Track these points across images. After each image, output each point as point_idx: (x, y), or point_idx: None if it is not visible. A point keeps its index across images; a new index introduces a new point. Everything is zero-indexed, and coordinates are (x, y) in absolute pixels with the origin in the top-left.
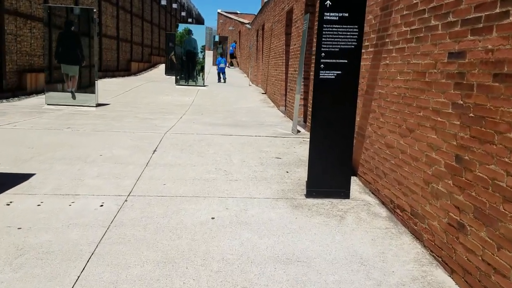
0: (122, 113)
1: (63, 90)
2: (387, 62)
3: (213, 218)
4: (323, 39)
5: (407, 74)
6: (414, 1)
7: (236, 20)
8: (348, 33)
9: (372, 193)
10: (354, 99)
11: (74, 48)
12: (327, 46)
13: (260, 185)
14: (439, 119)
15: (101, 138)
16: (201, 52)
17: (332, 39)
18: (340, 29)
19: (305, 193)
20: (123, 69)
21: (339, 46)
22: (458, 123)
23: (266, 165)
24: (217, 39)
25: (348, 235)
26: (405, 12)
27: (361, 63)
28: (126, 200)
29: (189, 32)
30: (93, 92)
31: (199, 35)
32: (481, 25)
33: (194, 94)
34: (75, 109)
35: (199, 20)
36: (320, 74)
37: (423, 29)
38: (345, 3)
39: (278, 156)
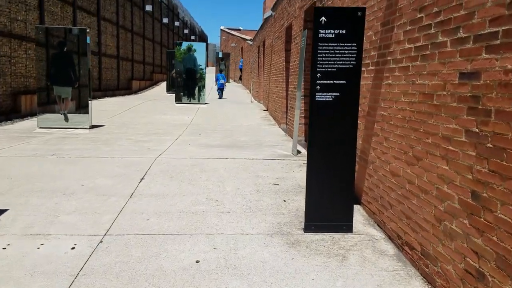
0: (115, 135)
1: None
2: (390, 82)
3: (197, 262)
4: (319, 58)
5: (412, 96)
6: (418, 15)
7: (239, 36)
8: (346, 52)
9: (378, 225)
10: (354, 123)
11: (67, 69)
12: (323, 66)
13: (254, 217)
14: (450, 147)
15: (86, 165)
16: (202, 69)
17: (329, 59)
18: (337, 48)
19: (303, 226)
20: (124, 88)
21: (336, 66)
22: (474, 154)
23: (262, 193)
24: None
25: (351, 280)
26: (408, 28)
27: (362, 83)
28: (101, 241)
29: (188, 49)
30: (87, 113)
31: (199, 52)
32: (498, 42)
33: (194, 113)
34: (67, 132)
35: (203, 37)
36: (316, 96)
37: (430, 46)
38: (342, 19)
39: (275, 182)
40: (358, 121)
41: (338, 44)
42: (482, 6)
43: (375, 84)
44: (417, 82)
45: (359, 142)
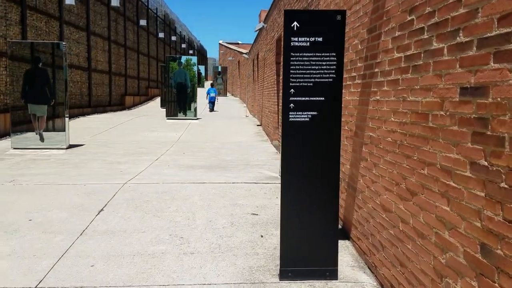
0: (91, 156)
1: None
2: (378, 98)
3: None
4: (292, 71)
5: (403, 115)
6: (408, 18)
7: (236, 50)
8: (324, 63)
9: (369, 268)
10: (336, 146)
11: (42, 86)
12: (297, 80)
13: (223, 259)
14: (452, 183)
15: (43, 194)
16: (193, 83)
17: (303, 71)
18: (313, 58)
19: (279, 271)
20: (117, 104)
21: (312, 80)
22: (483, 194)
23: (237, 226)
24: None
25: None
26: (397, 33)
27: (348, 98)
28: None
29: (179, 64)
30: (66, 131)
31: (191, 66)
32: (510, 47)
33: (183, 129)
34: (40, 153)
35: (201, 52)
36: (290, 116)
37: (422, 55)
38: (318, 24)
39: (254, 212)
40: (346, 142)
41: (314, 54)
42: (487, 1)
43: (362, 101)
44: (408, 99)
45: (347, 166)
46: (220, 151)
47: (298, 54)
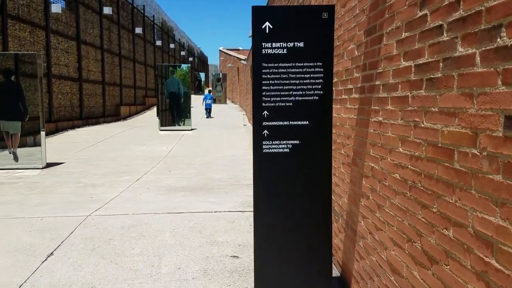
0: (66, 178)
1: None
2: (380, 119)
3: None
4: (264, 88)
5: (415, 146)
6: (419, 13)
7: (235, 56)
8: (308, 76)
9: None
10: (326, 183)
11: (15, 101)
12: (272, 99)
13: None
14: (493, 262)
15: None
16: (186, 92)
17: (280, 88)
18: (293, 70)
19: None
20: (112, 114)
21: (292, 99)
22: None
23: (211, 275)
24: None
25: None
26: (404, 35)
27: (344, 116)
28: None
29: (171, 72)
30: (42, 149)
31: (184, 74)
32: None
33: (175, 141)
34: (12, 174)
35: (202, 59)
36: (264, 146)
37: (441, 64)
38: (298, 24)
39: (235, 253)
40: (342, 170)
41: (294, 64)
42: None
43: (361, 121)
44: (422, 125)
45: (344, 200)
46: (210, 167)
47: (272, 65)
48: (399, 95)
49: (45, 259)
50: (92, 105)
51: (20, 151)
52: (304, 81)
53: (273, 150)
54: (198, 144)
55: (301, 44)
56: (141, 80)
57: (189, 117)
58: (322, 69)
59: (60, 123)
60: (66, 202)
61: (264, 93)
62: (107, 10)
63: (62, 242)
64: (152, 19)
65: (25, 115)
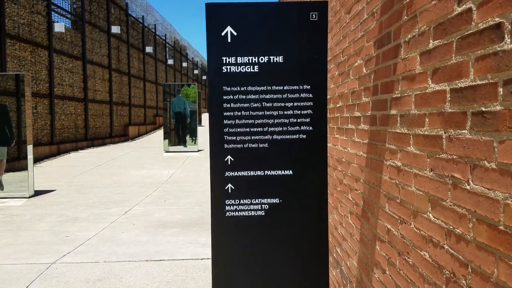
0: (49, 210)
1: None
2: (398, 163)
3: None
4: (226, 121)
5: (455, 218)
6: (459, 9)
7: None
8: (289, 104)
9: None
10: (322, 265)
11: (1, 125)
12: (239, 138)
13: None
14: None
15: None
16: (193, 112)
17: (249, 122)
18: (268, 96)
19: None
20: (119, 135)
21: (268, 138)
22: None
23: None
24: None
25: None
26: (432, 43)
27: (352, 151)
28: None
29: (177, 92)
30: (30, 176)
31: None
32: None
33: (179, 164)
34: None
35: None
36: (227, 208)
37: (501, 90)
38: (273, 29)
39: None
40: (351, 221)
41: (269, 87)
42: None
43: (372, 161)
44: (467, 186)
45: (353, 263)
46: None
47: (238, 89)
48: (426, 133)
49: None
50: (99, 126)
51: (14, 176)
52: (285, 112)
53: (240, 214)
54: (202, 168)
55: (280, 59)
56: (151, 99)
57: (196, 138)
58: (310, 95)
59: (62, 145)
60: (36, 243)
61: (226, 130)
62: (115, 29)
63: None
64: (164, 38)
65: (11, 140)
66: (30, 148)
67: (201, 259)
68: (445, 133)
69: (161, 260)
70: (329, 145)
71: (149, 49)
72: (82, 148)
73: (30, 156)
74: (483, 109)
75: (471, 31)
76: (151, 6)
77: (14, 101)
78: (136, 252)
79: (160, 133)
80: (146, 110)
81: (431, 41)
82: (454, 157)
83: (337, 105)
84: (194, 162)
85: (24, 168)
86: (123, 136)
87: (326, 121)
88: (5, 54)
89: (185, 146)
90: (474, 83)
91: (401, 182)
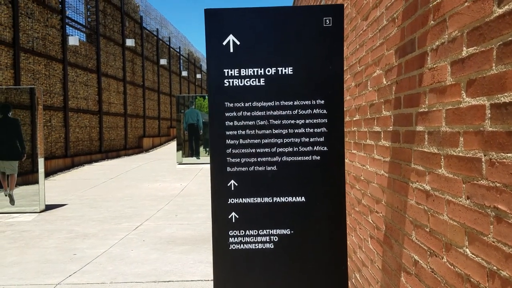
0: (59, 226)
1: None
2: (427, 187)
3: None
4: (228, 141)
5: (500, 257)
6: (500, 10)
7: None
8: (300, 122)
9: None
10: None
11: (12, 139)
12: (243, 160)
13: None
14: None
15: None
16: (206, 123)
17: (255, 142)
18: (276, 113)
19: None
20: (133, 147)
21: (277, 160)
22: None
23: None
24: None
25: None
26: (466, 51)
27: (371, 169)
28: None
29: (190, 103)
30: (41, 190)
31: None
32: None
33: (192, 176)
34: (3, 220)
35: None
36: (231, 240)
37: None
38: (281, 37)
39: None
40: (371, 247)
41: (277, 103)
42: None
43: (395, 182)
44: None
45: None
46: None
47: (241, 105)
48: (461, 154)
49: None
50: (113, 138)
51: (27, 190)
52: (296, 131)
53: (246, 246)
54: None
55: (289, 70)
56: (165, 111)
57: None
58: (324, 110)
59: (77, 157)
60: (43, 262)
61: (229, 151)
62: (130, 42)
63: None
64: (178, 50)
65: (23, 154)
66: (41, 162)
67: (211, 280)
68: (485, 155)
69: (169, 281)
70: (346, 161)
71: (163, 62)
72: (96, 161)
73: (41, 170)
74: None
75: None
76: (165, 19)
77: (28, 114)
78: (144, 271)
79: (174, 144)
80: (160, 122)
81: (464, 48)
82: (498, 185)
83: (354, 118)
84: (207, 174)
85: (38, 181)
86: (137, 148)
87: (343, 140)
88: (19, 68)
89: (198, 158)
90: None
91: (431, 209)
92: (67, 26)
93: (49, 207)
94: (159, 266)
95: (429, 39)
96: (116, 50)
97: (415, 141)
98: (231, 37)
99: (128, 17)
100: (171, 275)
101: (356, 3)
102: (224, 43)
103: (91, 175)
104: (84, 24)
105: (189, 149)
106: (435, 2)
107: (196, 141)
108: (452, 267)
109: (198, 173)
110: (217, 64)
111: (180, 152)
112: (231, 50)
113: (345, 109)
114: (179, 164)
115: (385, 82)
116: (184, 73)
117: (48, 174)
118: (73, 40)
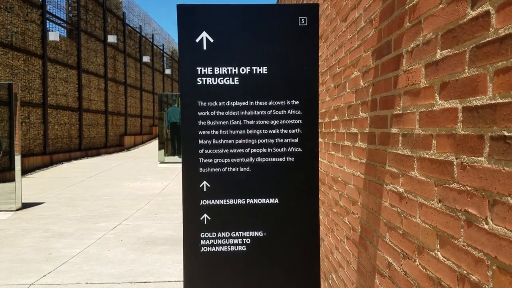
0: (35, 224)
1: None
2: (400, 189)
3: None
4: (201, 141)
5: (470, 262)
6: (473, 12)
7: None
8: (274, 122)
9: None
10: None
11: None
12: (216, 161)
13: None
14: None
15: None
16: None
17: (229, 142)
18: (250, 113)
19: None
20: (115, 145)
21: (251, 161)
22: None
23: None
24: None
25: None
26: (440, 53)
27: (348, 170)
28: None
29: (173, 101)
30: (17, 188)
31: None
32: None
33: (173, 176)
34: None
35: None
36: (202, 242)
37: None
38: (256, 35)
39: None
40: (347, 247)
41: (251, 103)
42: None
43: (370, 184)
44: (485, 225)
45: None
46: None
47: (215, 104)
48: (433, 157)
49: None
50: (93, 136)
51: (4, 188)
52: (270, 131)
53: (218, 249)
54: None
55: (264, 70)
56: (148, 109)
57: None
58: (299, 111)
59: (55, 155)
60: (17, 261)
61: (201, 151)
62: (111, 39)
63: None
64: (161, 48)
65: (0, 151)
66: (18, 159)
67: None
68: (456, 159)
69: (146, 282)
70: (324, 162)
71: (146, 59)
72: (76, 159)
73: (18, 168)
74: (506, 133)
75: (489, 39)
76: (148, 16)
77: (6, 110)
78: (121, 272)
79: (156, 143)
80: (142, 120)
81: (438, 50)
82: (468, 188)
83: (333, 120)
84: None
85: (14, 179)
86: (119, 146)
87: (318, 141)
88: None
89: (180, 156)
90: (493, 101)
91: (404, 211)
92: (47, 21)
93: (25, 206)
94: (136, 267)
95: (404, 41)
96: (98, 46)
97: (389, 143)
98: (204, 34)
99: (111, 13)
100: (148, 275)
101: (335, 4)
102: (197, 40)
103: (70, 173)
104: (65, 19)
105: (171, 148)
106: (411, 4)
107: (178, 140)
108: (424, 270)
109: (180, 172)
110: (190, 62)
111: (162, 150)
112: (204, 48)
113: (324, 110)
114: (161, 163)
115: (362, 84)
116: (168, 71)
117: (26, 171)
118: (54, 35)
